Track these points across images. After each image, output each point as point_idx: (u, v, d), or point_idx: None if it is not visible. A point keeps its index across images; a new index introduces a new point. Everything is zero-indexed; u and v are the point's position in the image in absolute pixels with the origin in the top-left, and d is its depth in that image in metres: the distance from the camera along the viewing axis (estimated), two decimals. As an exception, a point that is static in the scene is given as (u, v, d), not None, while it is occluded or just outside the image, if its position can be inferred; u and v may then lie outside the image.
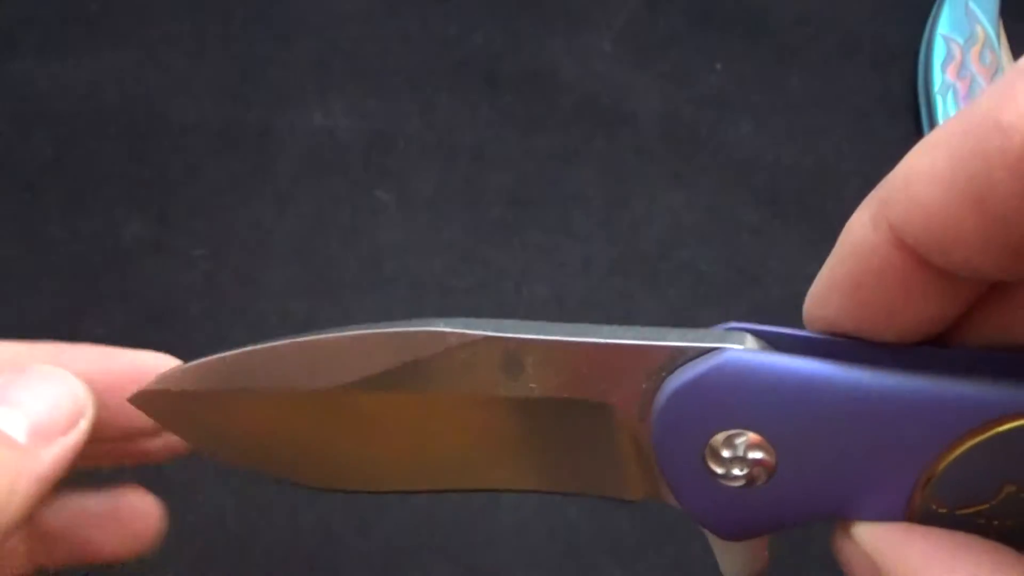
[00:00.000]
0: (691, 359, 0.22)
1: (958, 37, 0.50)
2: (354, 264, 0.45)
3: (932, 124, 0.48)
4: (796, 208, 0.47)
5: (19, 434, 0.24)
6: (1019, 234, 0.18)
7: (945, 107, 0.49)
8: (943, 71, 0.50)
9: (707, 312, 0.44)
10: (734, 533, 0.23)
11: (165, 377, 0.25)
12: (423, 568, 0.39)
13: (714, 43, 0.52)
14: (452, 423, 0.24)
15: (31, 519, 0.25)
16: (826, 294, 0.22)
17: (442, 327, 0.23)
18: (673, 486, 0.22)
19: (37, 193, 0.47)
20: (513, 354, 0.22)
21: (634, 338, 0.22)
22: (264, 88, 0.50)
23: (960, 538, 0.20)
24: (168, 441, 0.28)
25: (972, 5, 0.51)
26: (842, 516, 0.22)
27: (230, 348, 0.24)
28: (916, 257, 0.20)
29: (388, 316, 0.44)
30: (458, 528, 0.40)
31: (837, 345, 0.22)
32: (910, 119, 0.50)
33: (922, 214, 0.19)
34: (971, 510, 0.21)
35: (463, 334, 0.23)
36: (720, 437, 0.21)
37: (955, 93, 0.49)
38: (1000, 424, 0.20)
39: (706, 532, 0.23)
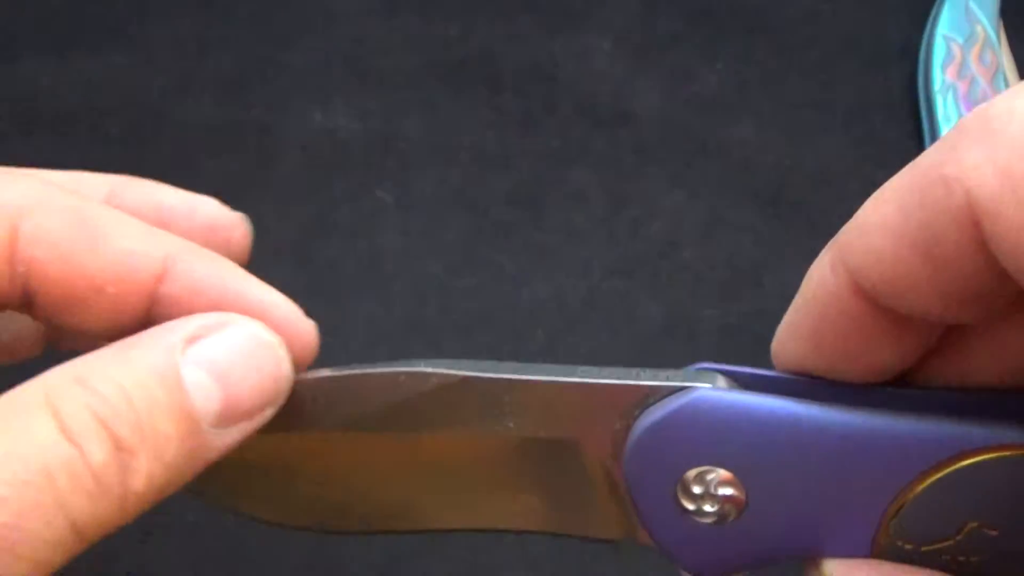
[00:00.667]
0: (662, 398, 0.22)
1: (958, 37, 0.50)
2: (354, 264, 0.45)
3: (932, 124, 0.49)
4: (796, 208, 0.47)
5: (208, 414, 0.20)
6: (965, 281, 0.19)
7: (945, 107, 0.49)
8: (943, 71, 0.50)
9: (707, 312, 0.44)
10: (707, 571, 0.23)
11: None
12: (423, 568, 0.39)
13: (714, 43, 0.52)
14: (436, 464, 0.24)
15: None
16: (790, 338, 0.23)
17: (423, 367, 0.23)
18: (647, 523, 0.23)
19: (37, 193, 0.47)
20: (492, 394, 0.23)
21: (607, 378, 0.23)
22: (264, 88, 0.50)
23: (930, 573, 0.21)
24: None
25: (972, 5, 0.51)
26: (812, 554, 0.22)
27: None
28: (873, 302, 0.21)
29: (388, 316, 0.44)
30: (458, 528, 0.40)
31: (804, 385, 0.22)
32: (910, 119, 0.50)
33: (876, 261, 0.20)
34: (936, 546, 0.22)
35: (445, 374, 0.23)
36: (691, 474, 0.22)
37: (955, 93, 0.49)
38: (958, 460, 0.21)
39: (682, 573, 0.24)
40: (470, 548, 0.40)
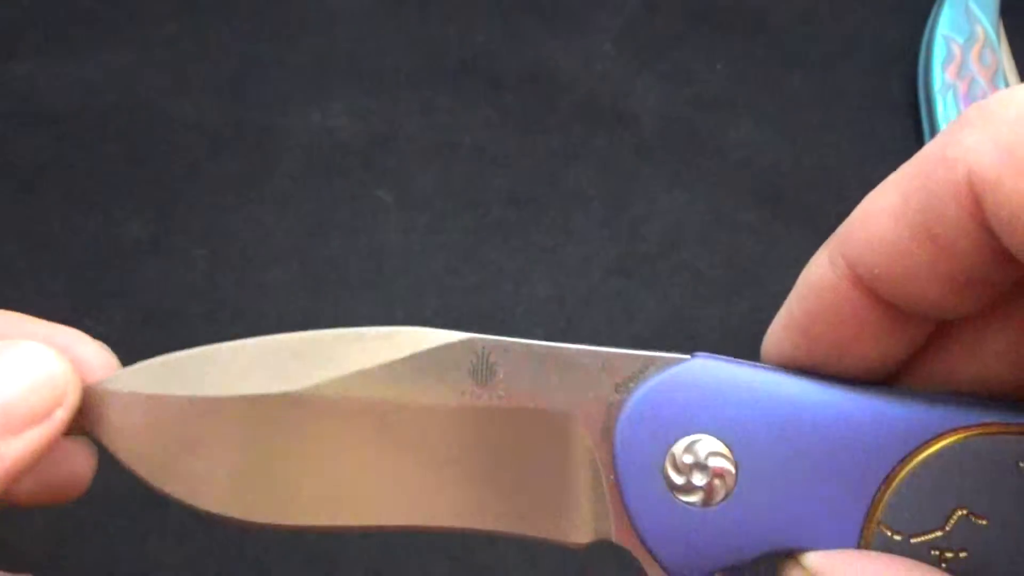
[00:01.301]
0: (661, 368, 0.22)
1: (958, 37, 0.50)
2: (354, 264, 0.45)
3: (932, 124, 0.49)
4: (796, 208, 0.47)
5: None
6: (964, 264, 0.19)
7: (945, 107, 0.49)
8: (943, 71, 0.50)
9: (707, 312, 0.44)
10: (686, 567, 0.22)
11: (114, 378, 0.23)
12: (423, 568, 0.39)
13: (714, 43, 0.52)
14: (411, 436, 0.23)
15: None
16: (784, 331, 0.23)
17: (419, 328, 0.23)
18: (630, 508, 0.22)
19: (37, 193, 0.47)
20: (486, 358, 0.23)
21: (609, 348, 0.23)
22: (264, 88, 0.50)
23: (909, 563, 0.21)
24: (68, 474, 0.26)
25: (972, 5, 0.51)
26: (796, 548, 0.22)
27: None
28: (870, 293, 0.21)
29: (388, 316, 0.44)
30: (458, 528, 0.40)
31: (792, 372, 0.22)
32: (910, 119, 0.50)
33: (876, 246, 0.20)
34: (925, 538, 0.21)
35: (440, 333, 0.23)
36: (682, 443, 0.22)
37: (955, 93, 0.49)
38: (943, 439, 0.21)
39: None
40: (470, 547, 0.40)
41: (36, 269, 0.45)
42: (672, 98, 0.50)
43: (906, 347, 0.22)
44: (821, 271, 0.22)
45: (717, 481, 0.22)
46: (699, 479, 0.22)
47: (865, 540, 0.22)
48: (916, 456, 0.21)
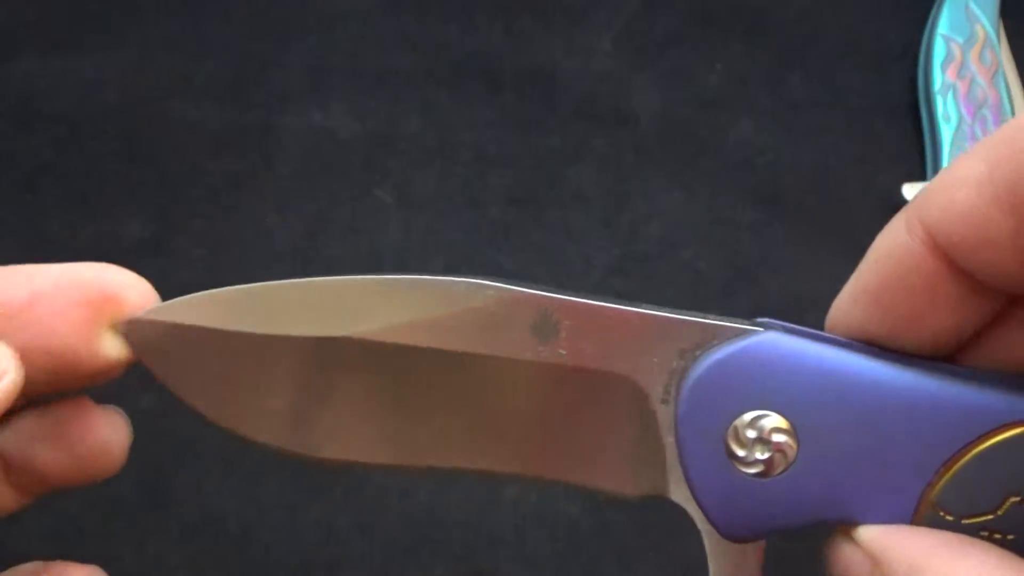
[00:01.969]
0: (729, 339, 0.22)
1: (958, 37, 0.50)
2: (354, 264, 0.45)
3: (932, 124, 0.48)
4: (796, 208, 0.47)
5: None
6: None
7: (945, 107, 0.49)
8: (943, 71, 0.50)
9: (707, 312, 0.44)
10: (739, 529, 0.23)
11: (160, 309, 0.23)
12: (423, 568, 0.39)
13: (714, 43, 0.52)
14: (468, 389, 0.23)
15: None
16: (853, 300, 0.22)
17: (483, 280, 0.23)
18: (689, 471, 0.22)
19: (37, 193, 0.47)
20: (549, 315, 0.22)
21: (673, 313, 0.23)
22: (264, 88, 0.50)
23: (965, 538, 0.21)
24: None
25: (972, 5, 0.51)
26: (848, 521, 0.22)
27: None
28: (946, 261, 0.21)
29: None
30: (458, 528, 0.40)
31: (859, 348, 0.22)
32: (910, 119, 0.50)
33: (957, 214, 0.20)
34: (976, 520, 0.21)
35: (503, 288, 0.22)
36: (747, 417, 0.22)
37: (955, 93, 0.49)
38: (1005, 431, 0.21)
39: (706, 537, 0.23)
40: (470, 548, 0.40)
41: (36, 269, 0.45)
42: (672, 98, 0.50)
43: (977, 320, 0.22)
44: (898, 237, 0.21)
45: (778, 456, 0.22)
46: (760, 453, 0.22)
47: (918, 517, 0.22)
48: (979, 444, 0.21)
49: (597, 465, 0.23)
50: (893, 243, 0.21)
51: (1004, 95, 0.49)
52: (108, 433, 0.25)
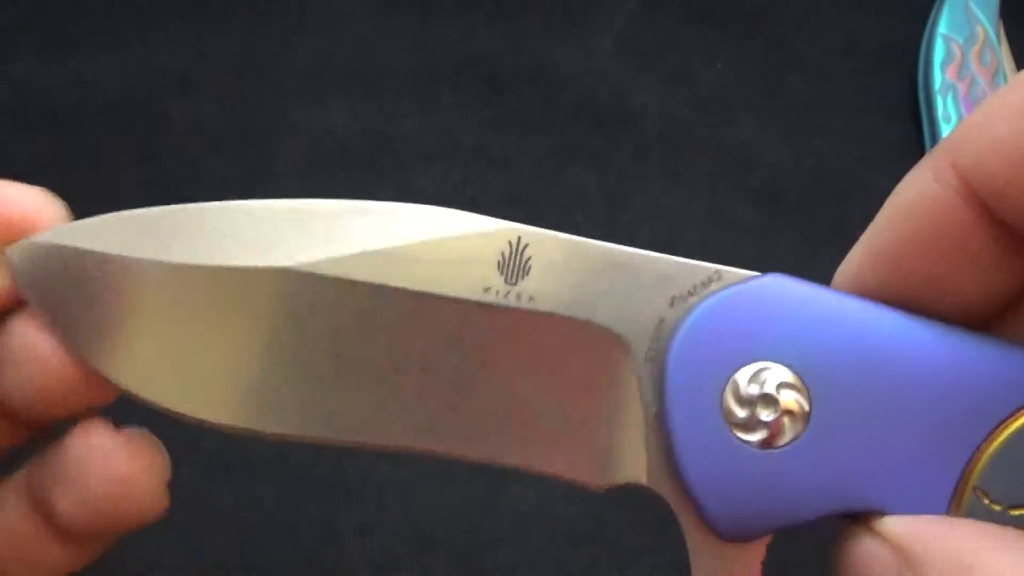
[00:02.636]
0: (727, 285, 0.19)
1: (958, 37, 0.50)
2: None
3: (932, 124, 0.48)
4: (796, 208, 0.47)
5: None
6: None
7: (945, 107, 0.49)
8: (943, 71, 0.50)
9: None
10: (737, 523, 0.19)
11: (61, 231, 0.20)
12: (423, 568, 0.39)
13: (714, 43, 0.52)
14: (415, 339, 0.19)
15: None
16: (867, 261, 0.19)
17: (445, 209, 0.20)
18: (678, 444, 0.18)
19: (37, 193, 0.47)
20: (519, 250, 0.19)
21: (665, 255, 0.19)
22: (264, 88, 0.50)
23: (1021, 533, 0.17)
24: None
25: (972, 5, 0.51)
26: (871, 508, 0.18)
27: None
28: (985, 212, 0.18)
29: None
30: (458, 528, 0.40)
31: (881, 305, 0.19)
32: (910, 119, 0.50)
33: (1001, 152, 0.17)
34: None
35: (466, 216, 0.20)
36: (748, 371, 0.18)
37: (955, 93, 0.49)
38: None
39: (693, 537, 0.19)
40: (471, 548, 0.40)
41: (36, 269, 0.45)
42: (672, 98, 0.50)
43: (1015, 284, 0.19)
44: (925, 187, 0.18)
45: (786, 419, 0.18)
46: (765, 414, 0.18)
47: (956, 507, 0.18)
48: (1019, 419, 0.18)
49: (562, 443, 0.19)
50: (919, 194, 0.18)
51: (1004, 95, 0.49)
52: (132, 465, 0.21)
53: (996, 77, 0.49)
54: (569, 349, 0.19)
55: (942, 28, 0.51)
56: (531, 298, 0.19)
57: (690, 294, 0.19)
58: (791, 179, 0.48)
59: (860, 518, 0.19)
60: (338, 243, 0.19)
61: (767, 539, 0.19)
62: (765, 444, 0.18)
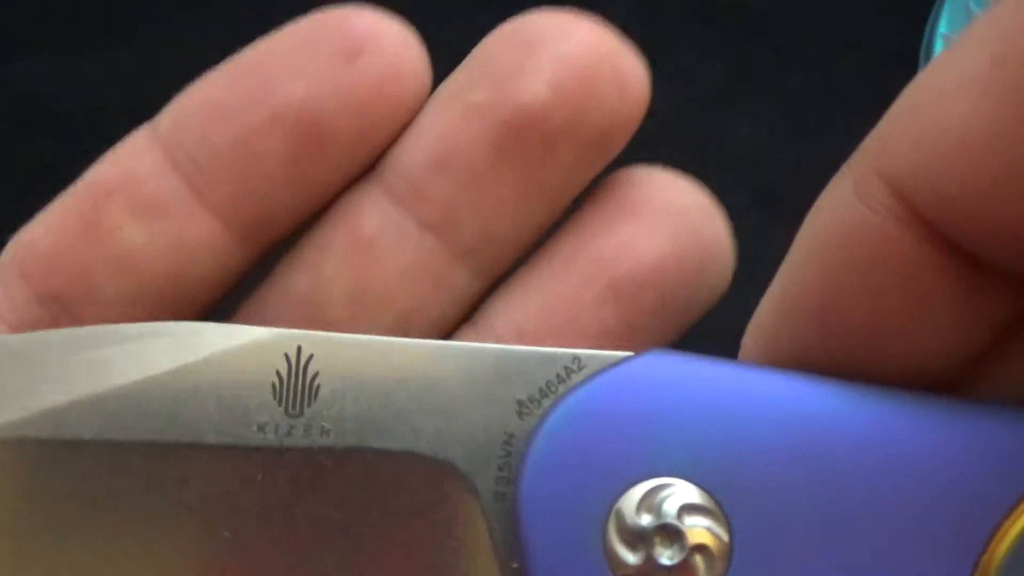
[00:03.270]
0: (591, 377, 0.14)
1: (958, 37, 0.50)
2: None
3: (932, 124, 0.49)
4: (796, 208, 0.47)
5: None
6: None
7: (945, 107, 0.49)
8: (943, 71, 0.50)
9: (707, 313, 0.44)
10: None
11: None
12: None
13: (714, 42, 0.52)
14: (164, 510, 0.14)
15: None
16: (785, 321, 0.15)
17: (184, 323, 0.15)
18: None
19: (37, 193, 0.47)
20: (301, 367, 0.14)
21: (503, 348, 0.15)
22: (264, 88, 0.50)
23: None
24: None
25: (972, 5, 0.51)
26: None
27: None
28: (933, 235, 0.12)
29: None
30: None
31: (807, 376, 0.14)
32: (910, 119, 0.50)
33: (948, 146, 0.11)
34: None
35: (221, 331, 0.15)
36: (635, 494, 0.13)
37: (955, 93, 0.49)
38: None
39: None
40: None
41: (36, 269, 0.45)
42: (672, 98, 0.50)
43: (986, 333, 0.13)
44: (845, 211, 0.14)
45: (698, 558, 0.13)
46: (667, 554, 0.13)
47: None
48: None
49: None
50: (839, 221, 0.14)
51: (1004, 95, 0.49)
52: (380, 34, 0.20)
53: (996, 77, 0.49)
54: (386, 495, 0.14)
55: (942, 28, 0.51)
56: (324, 430, 0.14)
57: (543, 395, 0.14)
58: (791, 179, 0.48)
59: None
60: (52, 388, 0.14)
61: None
62: None
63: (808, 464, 0.13)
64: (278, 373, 0.14)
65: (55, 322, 0.20)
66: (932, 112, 0.12)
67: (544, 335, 0.18)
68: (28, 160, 0.47)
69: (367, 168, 0.21)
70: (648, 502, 0.13)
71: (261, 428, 0.14)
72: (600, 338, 0.18)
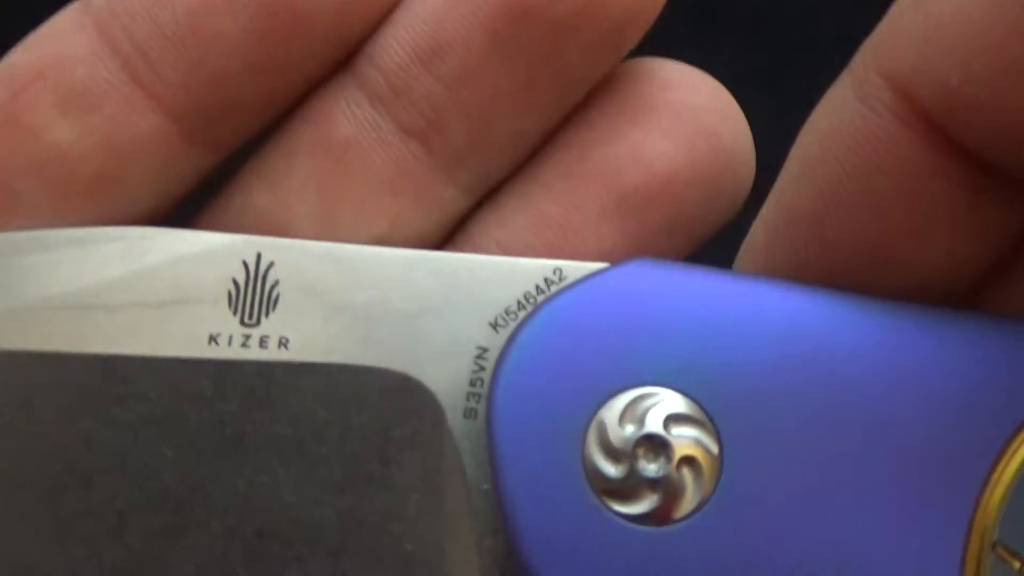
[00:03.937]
0: (571, 286, 0.13)
1: (958, 37, 0.50)
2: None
3: (932, 124, 0.49)
4: (796, 208, 0.47)
5: None
6: None
7: (945, 107, 0.49)
8: (943, 71, 0.50)
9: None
10: None
11: None
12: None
13: (714, 43, 0.52)
14: (110, 429, 0.12)
15: None
16: (781, 231, 0.13)
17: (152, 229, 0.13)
18: (522, 535, 0.12)
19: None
20: (260, 275, 0.13)
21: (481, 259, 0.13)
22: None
23: None
24: None
25: (972, 5, 0.51)
26: None
27: None
28: (938, 137, 0.12)
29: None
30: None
31: (806, 287, 0.13)
32: (910, 119, 0.50)
33: (957, 38, 0.10)
34: None
35: (179, 237, 0.14)
36: (618, 404, 0.12)
37: (955, 93, 0.49)
38: None
39: None
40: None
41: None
42: (672, 98, 0.50)
43: (995, 244, 0.12)
44: (845, 113, 0.11)
45: (685, 471, 0.12)
46: (652, 467, 0.12)
47: (970, 570, 0.12)
48: None
49: (359, 556, 0.13)
50: (839, 125, 0.12)
51: (1004, 95, 0.49)
52: None
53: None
54: (350, 414, 0.13)
55: (942, 28, 0.51)
56: (282, 342, 0.13)
57: (520, 307, 0.13)
58: (791, 179, 0.48)
59: None
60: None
61: None
62: (656, 517, 0.12)
63: (804, 375, 0.12)
64: (234, 280, 0.13)
65: None
66: (934, 5, 0.11)
67: (534, 254, 0.15)
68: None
69: (341, 62, 0.18)
70: (632, 412, 0.12)
71: (213, 339, 0.13)
72: (600, 259, 0.15)
